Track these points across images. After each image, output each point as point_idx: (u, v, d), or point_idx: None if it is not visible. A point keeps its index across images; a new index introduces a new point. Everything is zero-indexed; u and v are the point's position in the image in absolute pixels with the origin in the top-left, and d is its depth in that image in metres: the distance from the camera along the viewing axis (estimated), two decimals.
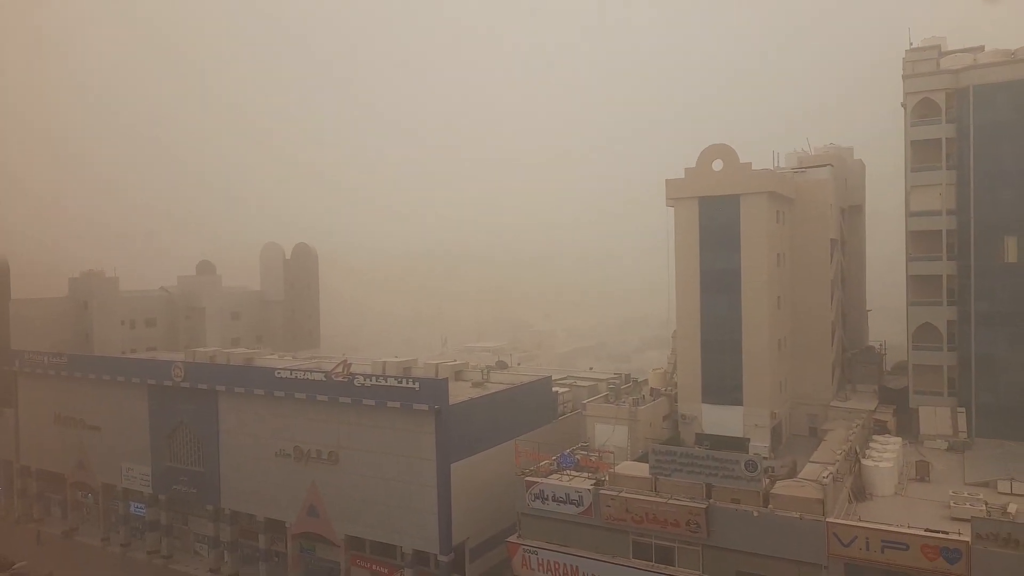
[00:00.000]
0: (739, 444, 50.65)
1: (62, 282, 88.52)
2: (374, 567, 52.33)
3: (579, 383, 69.21)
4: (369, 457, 50.57)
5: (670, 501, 39.44)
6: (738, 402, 54.16)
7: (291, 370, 54.40)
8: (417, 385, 48.31)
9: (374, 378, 50.29)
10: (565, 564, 42.39)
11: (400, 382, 49.10)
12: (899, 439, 48.26)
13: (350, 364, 52.55)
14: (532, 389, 57.72)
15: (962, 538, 32.54)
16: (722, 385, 54.92)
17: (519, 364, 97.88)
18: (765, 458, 43.24)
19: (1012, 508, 37.17)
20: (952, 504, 38.02)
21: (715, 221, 55.10)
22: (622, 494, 40.91)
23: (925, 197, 54.55)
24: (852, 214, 69.42)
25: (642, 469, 42.48)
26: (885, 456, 44.12)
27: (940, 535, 33.16)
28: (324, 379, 51.76)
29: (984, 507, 37.03)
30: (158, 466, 62.02)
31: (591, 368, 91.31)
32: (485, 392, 55.00)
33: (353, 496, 51.31)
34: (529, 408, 56.41)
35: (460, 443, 48.78)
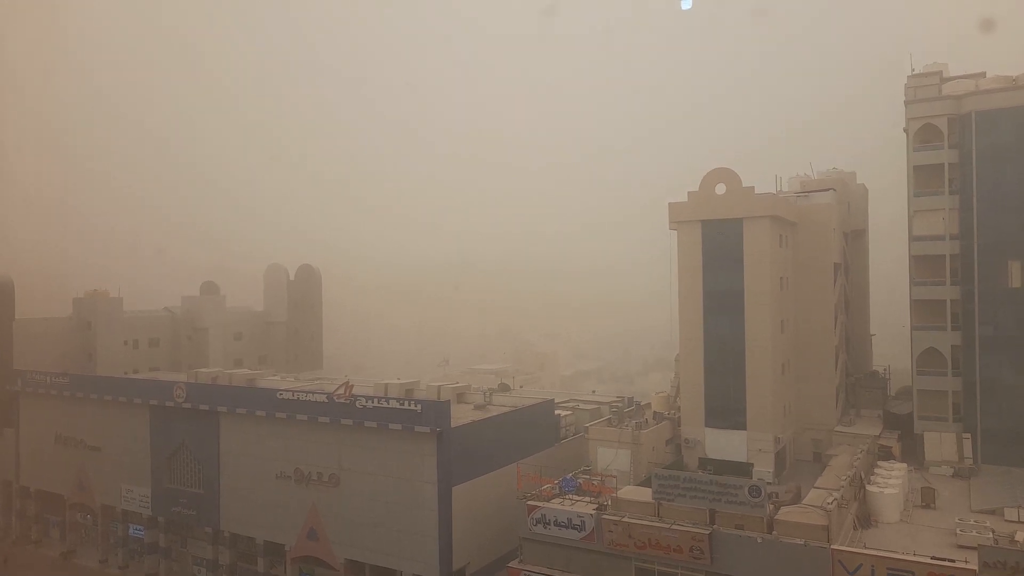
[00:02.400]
0: (743, 469, 50.13)
1: (67, 300, 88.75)
2: None
3: (582, 406, 68.87)
4: (370, 479, 50.26)
5: (673, 527, 39.05)
6: (741, 426, 53.83)
7: (293, 391, 54.30)
8: (419, 407, 48.16)
9: (376, 400, 50.16)
10: None
11: (402, 404, 48.98)
12: (904, 465, 47.83)
13: (352, 386, 52.44)
14: (534, 412, 57.46)
15: (969, 566, 32.10)
16: (725, 409, 54.62)
17: (521, 386, 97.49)
18: (769, 483, 42.92)
19: (1020, 536, 36.76)
20: (959, 531, 37.56)
21: (718, 244, 55.18)
22: (624, 519, 40.52)
23: (928, 222, 54.59)
24: (855, 238, 69.49)
25: (645, 494, 42.13)
26: (890, 482, 43.70)
27: (947, 563, 32.73)
28: (326, 401, 51.64)
29: (991, 535, 36.60)
30: (158, 487, 61.71)
31: (594, 391, 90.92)
32: (487, 415, 54.77)
33: (353, 519, 50.92)
34: (531, 431, 56.12)
35: (462, 466, 48.48)
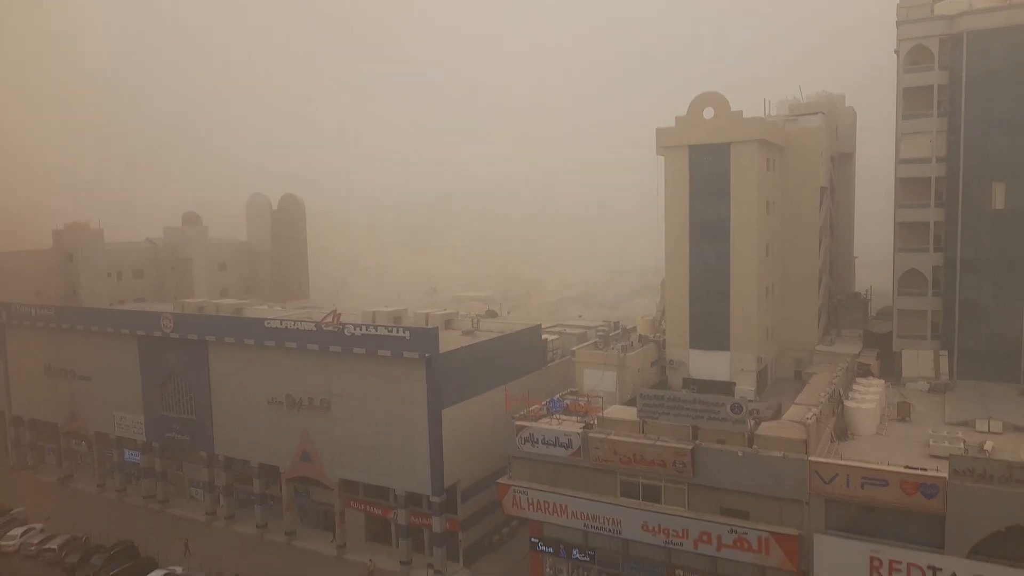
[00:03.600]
0: (725, 388, 51.50)
1: (42, 235, 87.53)
2: (368, 508, 53.47)
3: (568, 331, 69.83)
4: (361, 404, 51.14)
5: (657, 443, 40.30)
6: (725, 348, 54.93)
7: (281, 320, 54.53)
8: (407, 334, 48.61)
9: (364, 327, 50.50)
10: (554, 503, 43.43)
11: (391, 331, 49.36)
12: (882, 381, 49.24)
13: (340, 314, 52.70)
14: (522, 337, 58.21)
15: (940, 474, 33.53)
16: (710, 331, 55.59)
17: (509, 313, 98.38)
18: (750, 401, 44.15)
19: (988, 445, 38.30)
20: (931, 443, 39.06)
21: (705, 170, 54.96)
22: (610, 436, 41.73)
23: (915, 144, 54.47)
24: (842, 162, 69.35)
25: (630, 413, 43.27)
26: (868, 398, 45.08)
27: (919, 472, 34.15)
28: (314, 329, 51.94)
29: (962, 445, 38.12)
30: (151, 415, 62.51)
31: (580, 316, 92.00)
32: (475, 340, 55.44)
33: (346, 442, 52.05)
34: (519, 355, 56.98)
35: (451, 390, 49.38)
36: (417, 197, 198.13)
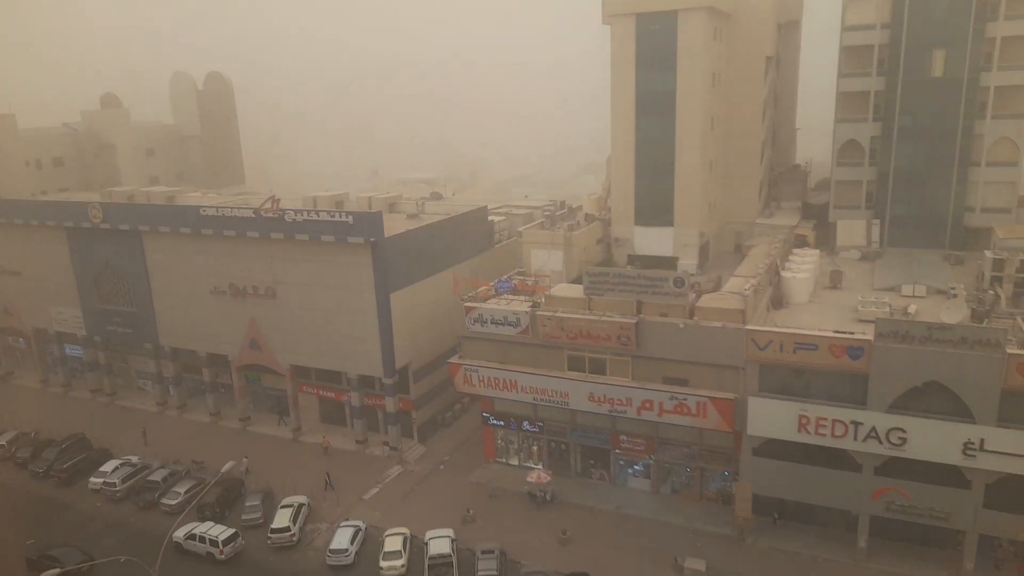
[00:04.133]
0: (669, 263, 52.60)
1: None
2: (321, 393, 54.34)
3: (515, 211, 69.52)
4: (307, 291, 50.70)
5: (603, 318, 41.39)
6: (669, 223, 55.62)
7: (217, 208, 52.57)
8: (351, 219, 47.60)
9: (305, 213, 49.19)
10: (504, 379, 44.81)
11: (333, 216, 48.23)
12: (817, 251, 50.98)
13: (278, 200, 51.05)
14: (468, 219, 57.73)
15: (865, 337, 35.49)
16: (654, 208, 56.02)
17: (454, 195, 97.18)
18: (692, 275, 45.27)
19: (912, 309, 40.55)
20: (860, 308, 41.10)
21: (652, 40, 53.33)
22: (558, 314, 42.62)
23: (861, 10, 53.59)
24: (789, 29, 68.11)
25: (576, 290, 44.05)
26: (803, 267, 46.73)
27: (846, 336, 36.09)
28: (253, 216, 50.35)
29: (888, 309, 40.23)
30: (88, 308, 60.92)
31: (526, 196, 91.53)
32: (421, 223, 54.74)
33: (294, 329, 51.96)
34: (466, 237, 56.73)
35: (398, 274, 49.20)
36: (356, 75, 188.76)
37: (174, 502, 45.14)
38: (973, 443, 33.86)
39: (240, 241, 51.61)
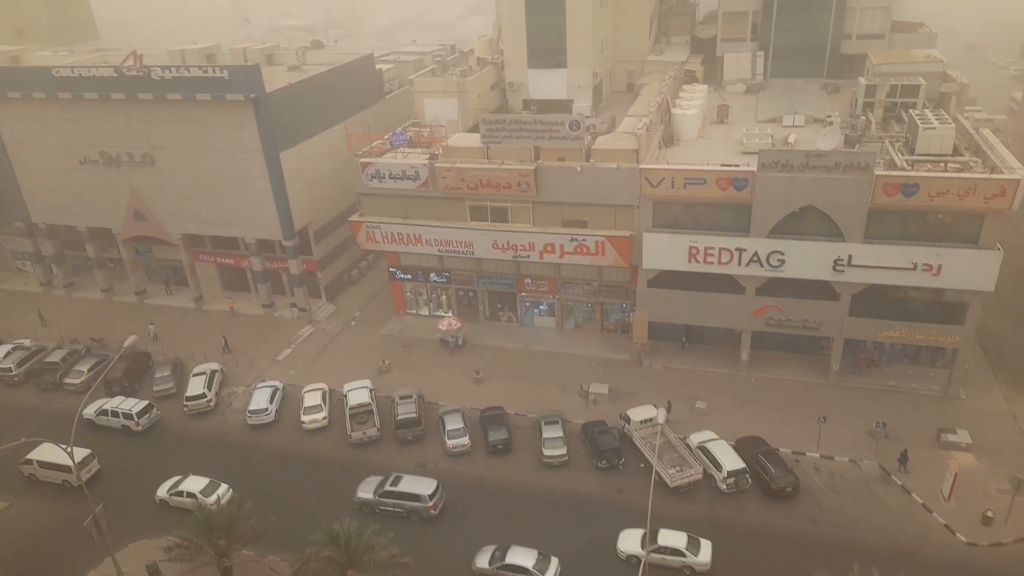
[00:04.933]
0: (564, 106, 52.38)
1: None
2: (218, 260, 52.89)
3: (403, 58, 66.32)
4: (189, 155, 47.77)
5: (502, 166, 41.48)
6: (562, 65, 54.65)
7: (72, 67, 47.42)
8: (226, 74, 44.22)
9: (174, 69, 45.24)
10: (408, 234, 44.92)
11: (206, 72, 44.61)
12: (705, 86, 51.94)
13: (141, 56, 46.53)
14: (355, 69, 54.79)
15: (749, 169, 37.41)
16: (547, 48, 54.65)
17: (336, 43, 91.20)
18: (587, 117, 45.45)
19: (792, 138, 42.70)
20: (744, 140, 42.91)
21: None
22: (456, 165, 42.32)
23: None
24: None
25: (474, 139, 43.57)
26: (692, 104, 47.72)
27: (732, 168, 37.90)
28: (115, 75, 45.89)
29: (770, 140, 42.21)
30: None
31: (414, 41, 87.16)
32: (304, 76, 51.59)
33: (181, 196, 49.41)
34: (354, 89, 54.14)
35: (285, 132, 46.91)
36: None
37: (78, 381, 44.25)
38: (843, 260, 37.31)
39: (105, 104, 47.29)
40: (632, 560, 30.35)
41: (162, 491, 35.45)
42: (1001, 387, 40.22)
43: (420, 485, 33.88)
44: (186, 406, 41.71)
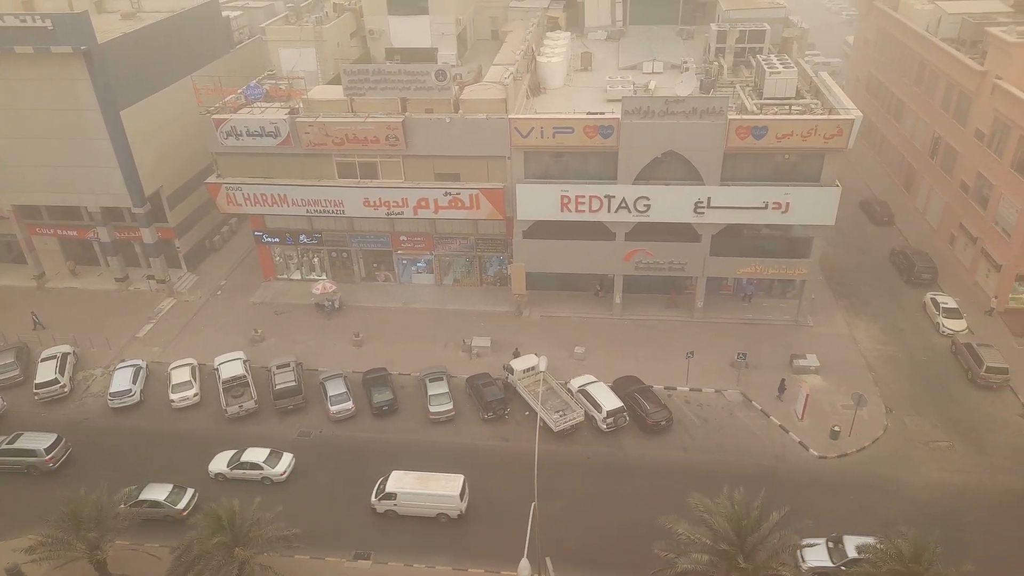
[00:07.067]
0: (428, 55, 50.92)
1: None
2: (59, 232, 48.30)
3: (252, 4, 61.96)
4: (13, 117, 42.82)
5: (368, 119, 40.04)
6: (424, 11, 52.91)
7: None
8: (49, 23, 39.56)
9: None
10: (272, 195, 42.73)
11: (24, 21, 39.71)
12: (568, 34, 52.14)
13: None
14: (198, 15, 50.65)
15: (614, 116, 38.19)
16: None
17: None
18: (453, 66, 44.50)
19: (652, 85, 43.92)
20: (608, 88, 43.66)
21: None
22: (319, 119, 40.41)
23: None
24: None
25: (336, 92, 41.68)
26: (556, 51, 47.85)
27: (598, 116, 38.56)
28: None
29: (632, 87, 43.20)
30: None
31: None
32: (141, 24, 47.04)
33: (8, 163, 44.41)
34: (199, 38, 50.15)
35: (125, 87, 42.93)
36: None
37: None
38: (702, 202, 39.21)
39: None
40: (219, 478, 33.71)
41: None
42: (843, 313, 44.28)
43: (38, 440, 34.50)
44: (36, 394, 38.34)
